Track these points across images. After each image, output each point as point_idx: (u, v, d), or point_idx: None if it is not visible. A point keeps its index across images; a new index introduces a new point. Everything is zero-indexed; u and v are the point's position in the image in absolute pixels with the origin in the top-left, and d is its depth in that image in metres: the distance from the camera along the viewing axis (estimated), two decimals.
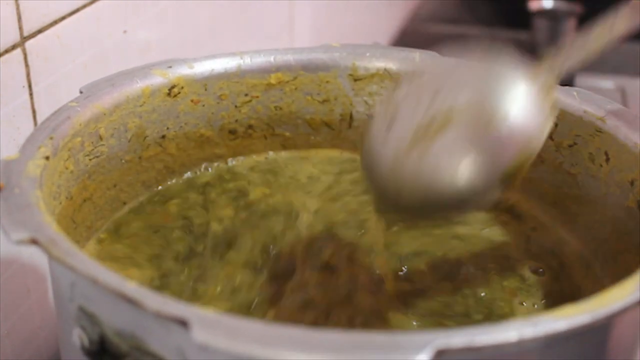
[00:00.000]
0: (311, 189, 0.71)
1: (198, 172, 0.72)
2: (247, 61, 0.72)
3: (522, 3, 1.61)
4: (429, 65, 0.71)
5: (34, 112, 0.70)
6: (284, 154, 0.75)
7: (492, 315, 0.59)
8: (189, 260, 0.63)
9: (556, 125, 0.68)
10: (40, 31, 0.69)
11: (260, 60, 0.72)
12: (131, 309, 0.44)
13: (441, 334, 0.42)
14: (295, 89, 0.74)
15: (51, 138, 0.58)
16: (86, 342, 0.48)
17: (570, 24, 1.54)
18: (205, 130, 0.72)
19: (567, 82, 0.66)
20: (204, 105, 0.71)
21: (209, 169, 0.72)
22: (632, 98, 1.36)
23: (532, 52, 1.62)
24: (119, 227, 0.66)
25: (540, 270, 0.64)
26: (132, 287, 0.44)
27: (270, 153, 0.74)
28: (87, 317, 0.48)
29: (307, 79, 0.74)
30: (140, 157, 0.69)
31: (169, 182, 0.71)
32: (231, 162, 0.73)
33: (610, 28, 0.52)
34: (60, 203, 0.59)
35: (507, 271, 0.63)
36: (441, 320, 0.58)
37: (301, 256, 0.63)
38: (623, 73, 1.46)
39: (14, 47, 0.66)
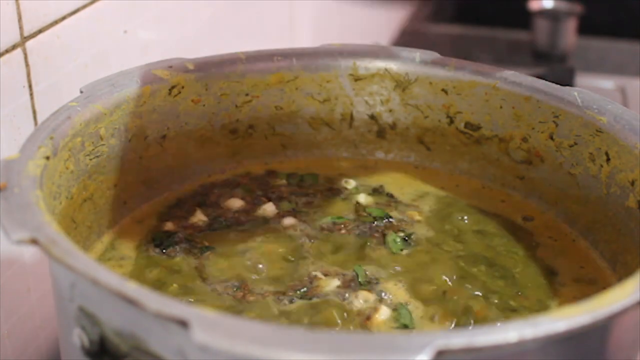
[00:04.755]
0: None
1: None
2: (247, 61, 0.72)
3: (522, 3, 1.61)
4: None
5: (34, 112, 0.70)
6: None
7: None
8: None
9: (556, 125, 0.68)
10: (40, 31, 0.69)
11: (260, 59, 0.72)
12: (131, 309, 0.44)
13: (441, 334, 0.42)
14: (296, 88, 0.74)
15: (51, 138, 0.58)
16: (86, 342, 0.48)
17: (570, 24, 1.54)
18: (205, 130, 0.72)
19: (568, 82, 0.66)
20: (204, 105, 0.71)
21: None
22: (632, 98, 1.36)
23: (532, 52, 1.63)
24: None
25: None
26: (132, 287, 0.44)
27: None
28: (87, 317, 0.48)
29: (307, 79, 0.74)
30: (140, 157, 0.69)
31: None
32: None
33: None
34: (61, 203, 0.59)
35: None
36: None
37: None
38: (623, 73, 1.46)
39: (14, 47, 0.66)
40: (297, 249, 0.65)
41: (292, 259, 0.63)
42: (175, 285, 0.61)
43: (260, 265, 0.62)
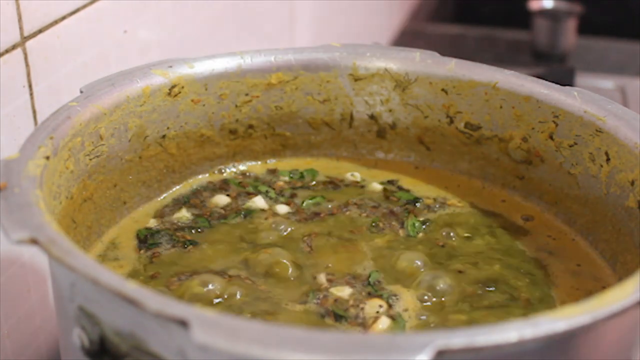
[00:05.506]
0: None
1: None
2: (247, 61, 0.72)
3: (522, 3, 1.61)
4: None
5: (34, 112, 0.70)
6: None
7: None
8: None
9: (556, 125, 0.68)
10: (40, 31, 0.69)
11: (260, 59, 0.72)
12: (131, 309, 0.44)
13: (441, 334, 0.42)
14: (296, 88, 0.74)
15: (51, 138, 0.58)
16: (86, 342, 0.48)
17: (570, 24, 1.54)
18: (205, 130, 0.72)
19: (568, 82, 0.66)
20: (204, 105, 0.71)
21: None
22: (632, 98, 1.36)
23: (532, 52, 1.63)
24: None
25: None
26: (132, 287, 0.44)
27: None
28: (87, 317, 0.48)
29: (307, 79, 0.74)
30: (140, 157, 0.69)
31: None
32: None
33: None
34: (61, 203, 0.59)
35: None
36: None
37: None
38: (623, 73, 1.46)
39: (14, 47, 0.66)
40: (292, 241, 0.66)
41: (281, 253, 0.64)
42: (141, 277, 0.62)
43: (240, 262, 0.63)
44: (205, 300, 0.58)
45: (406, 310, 0.59)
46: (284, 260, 0.62)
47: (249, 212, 0.69)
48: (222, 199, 0.71)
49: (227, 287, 0.59)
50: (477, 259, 0.64)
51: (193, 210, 0.69)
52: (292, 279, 0.61)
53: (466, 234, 0.67)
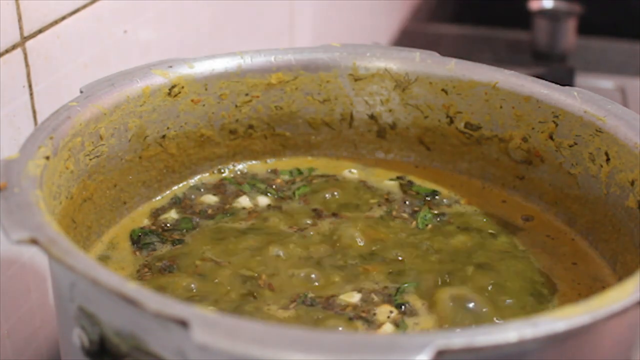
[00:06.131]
0: None
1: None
2: (247, 61, 0.72)
3: (522, 3, 1.61)
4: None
5: (34, 112, 0.70)
6: None
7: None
8: None
9: (556, 125, 0.68)
10: (40, 31, 0.69)
11: (260, 60, 0.72)
12: (131, 309, 0.44)
13: (441, 334, 0.42)
14: (296, 88, 0.74)
15: (51, 138, 0.58)
16: (86, 342, 0.48)
17: (570, 24, 1.54)
18: (205, 130, 0.72)
19: (568, 82, 0.66)
20: (204, 105, 0.71)
21: None
22: (632, 98, 1.36)
23: (532, 52, 1.63)
24: None
25: None
26: (132, 287, 0.44)
27: None
28: (87, 317, 0.48)
29: (307, 79, 0.74)
30: (140, 157, 0.69)
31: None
32: None
33: None
34: (61, 203, 0.59)
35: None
36: None
37: None
38: (623, 73, 1.46)
39: (14, 47, 0.66)
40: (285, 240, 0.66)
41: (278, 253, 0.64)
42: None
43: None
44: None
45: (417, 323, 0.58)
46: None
47: (234, 212, 0.69)
48: (209, 199, 0.71)
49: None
50: (502, 257, 0.64)
51: (182, 211, 0.70)
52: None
53: (490, 231, 0.68)
